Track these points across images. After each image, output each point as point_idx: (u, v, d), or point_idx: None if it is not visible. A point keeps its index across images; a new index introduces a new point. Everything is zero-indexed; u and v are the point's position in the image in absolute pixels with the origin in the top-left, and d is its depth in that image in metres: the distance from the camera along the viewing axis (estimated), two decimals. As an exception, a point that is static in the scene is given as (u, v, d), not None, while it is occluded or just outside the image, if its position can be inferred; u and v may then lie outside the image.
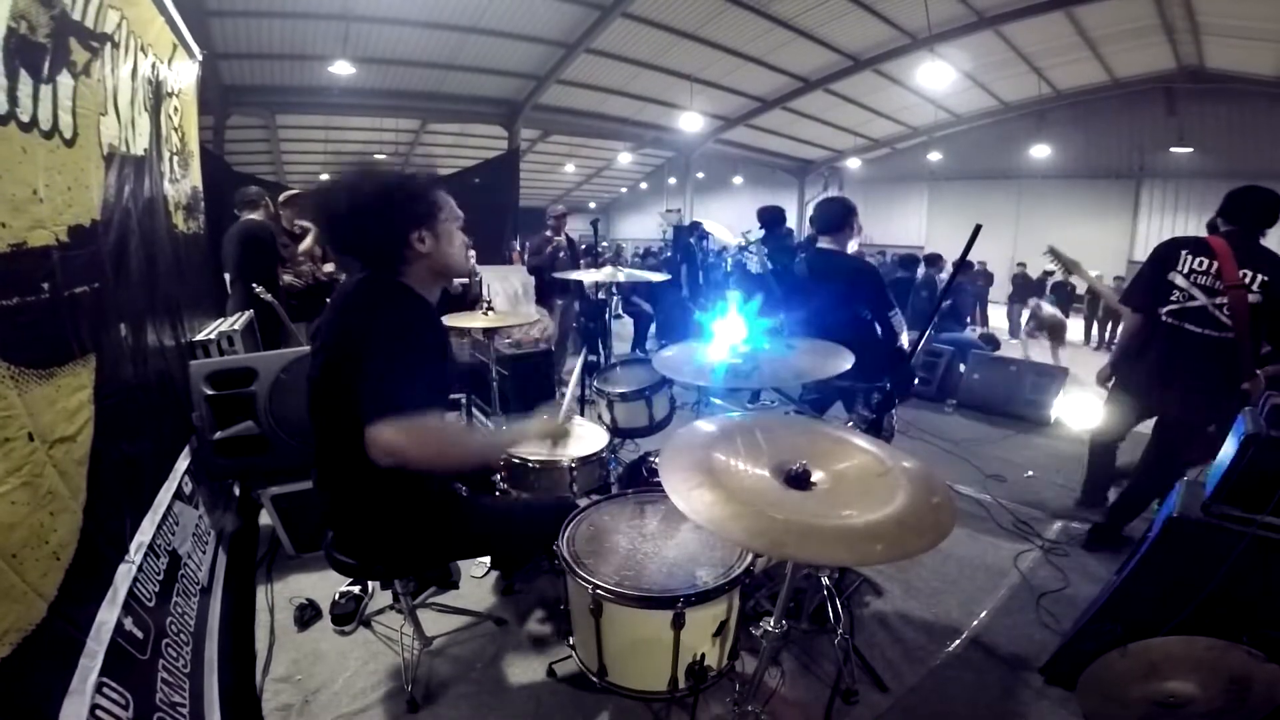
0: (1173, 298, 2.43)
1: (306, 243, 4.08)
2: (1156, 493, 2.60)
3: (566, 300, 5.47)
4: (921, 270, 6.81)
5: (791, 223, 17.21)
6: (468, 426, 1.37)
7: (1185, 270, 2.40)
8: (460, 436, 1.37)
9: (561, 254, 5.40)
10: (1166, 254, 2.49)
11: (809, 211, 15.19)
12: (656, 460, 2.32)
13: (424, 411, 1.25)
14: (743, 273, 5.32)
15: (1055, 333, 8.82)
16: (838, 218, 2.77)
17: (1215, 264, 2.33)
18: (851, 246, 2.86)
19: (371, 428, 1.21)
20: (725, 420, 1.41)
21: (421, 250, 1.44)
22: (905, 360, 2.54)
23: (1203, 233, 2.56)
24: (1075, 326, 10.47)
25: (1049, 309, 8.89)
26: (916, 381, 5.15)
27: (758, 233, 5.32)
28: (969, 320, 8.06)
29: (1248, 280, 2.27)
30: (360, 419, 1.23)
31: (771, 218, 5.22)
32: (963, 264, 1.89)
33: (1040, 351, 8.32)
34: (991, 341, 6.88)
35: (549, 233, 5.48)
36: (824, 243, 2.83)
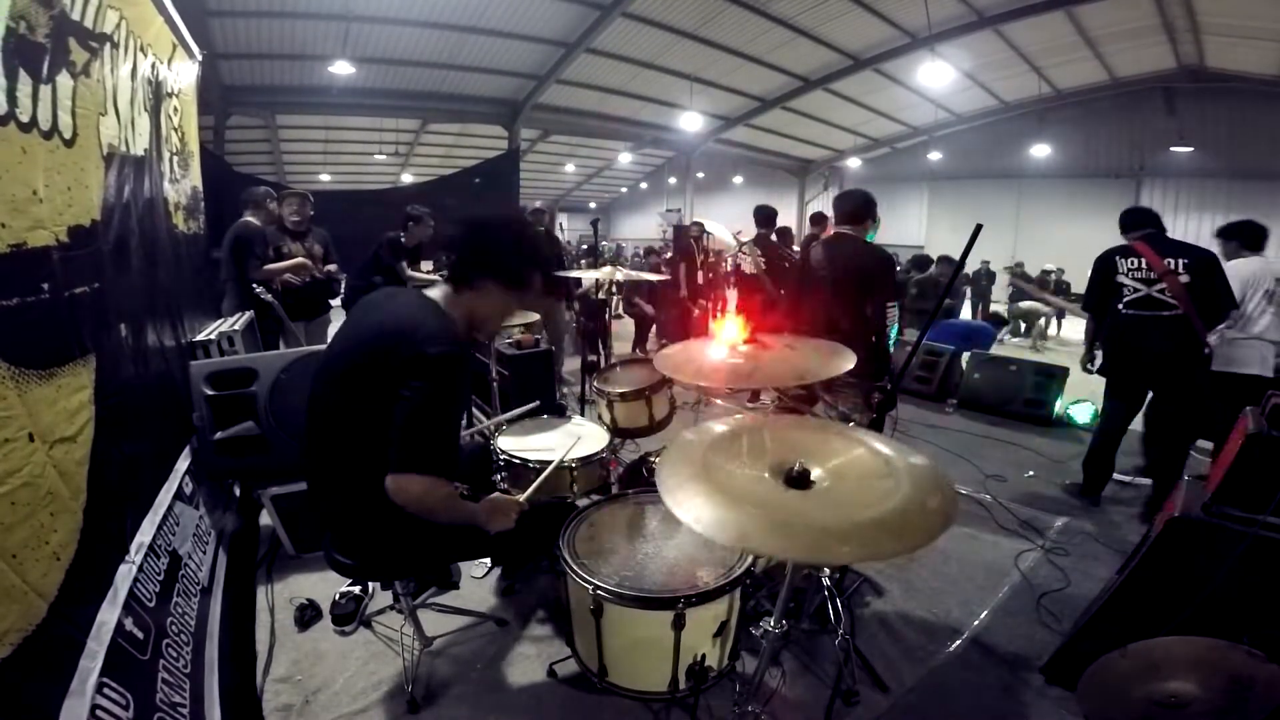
0: (1124, 294, 2.99)
1: (280, 265, 3.91)
2: (1189, 440, 3.14)
3: (550, 302, 5.05)
4: (933, 270, 6.85)
5: (793, 221, 17.15)
6: (462, 499, 1.52)
7: (1124, 271, 3.00)
8: (461, 508, 1.49)
9: None
10: (1105, 263, 3.09)
11: (809, 210, 15.19)
12: (657, 460, 2.33)
13: (449, 467, 1.41)
14: (738, 273, 5.34)
15: (1029, 320, 9.25)
16: (859, 209, 2.96)
17: (1143, 260, 2.94)
18: (871, 237, 3.02)
19: (402, 476, 1.33)
20: (737, 421, 1.41)
21: (485, 289, 1.51)
22: (887, 357, 2.84)
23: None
24: (1076, 326, 10.49)
25: (1025, 304, 9.31)
26: (911, 379, 5.18)
27: (750, 232, 5.34)
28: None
29: (1173, 266, 2.88)
30: (388, 452, 1.33)
31: (765, 216, 5.26)
32: (962, 263, 1.89)
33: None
34: (1000, 321, 6.85)
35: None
36: (842, 228, 2.97)
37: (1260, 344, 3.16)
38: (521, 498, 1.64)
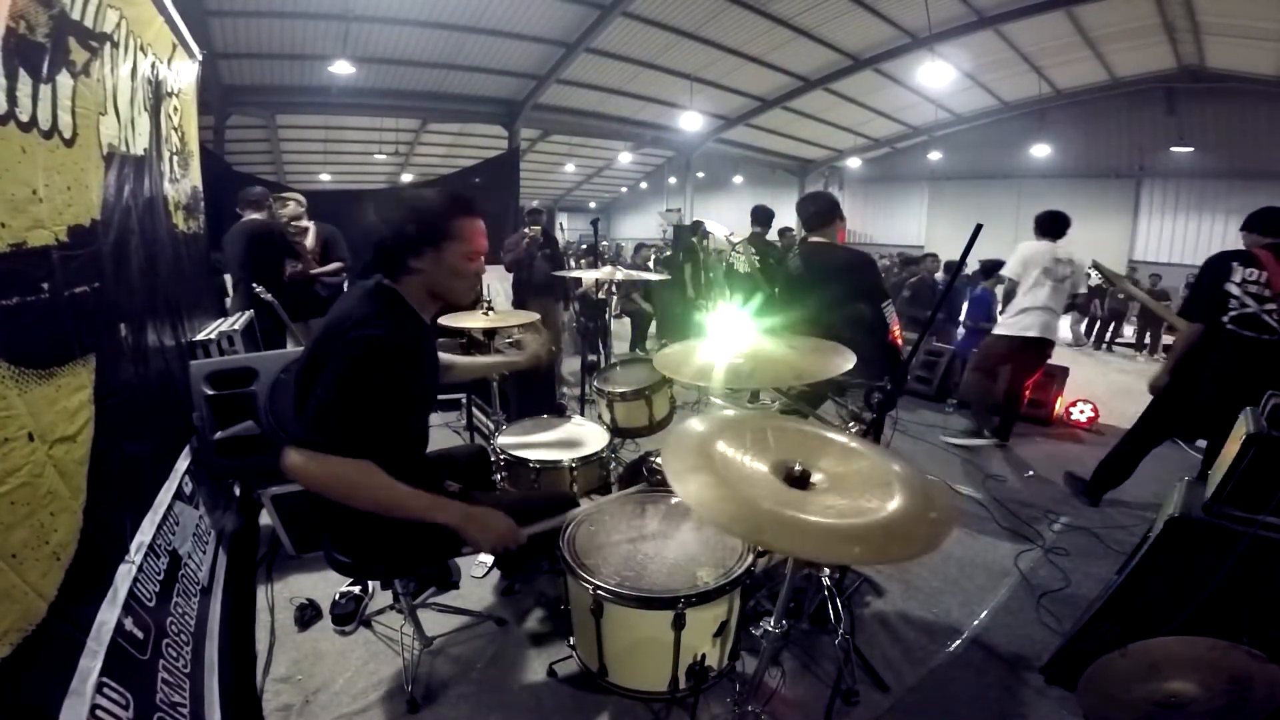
0: (1230, 306, 2.67)
1: (309, 242, 4.08)
2: None
3: (547, 302, 5.09)
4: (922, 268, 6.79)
5: (790, 222, 17.09)
6: (400, 487, 1.34)
7: (1239, 280, 2.65)
8: (377, 493, 1.33)
9: (540, 252, 5.02)
10: (1219, 266, 2.72)
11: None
12: (658, 459, 2.32)
13: (349, 447, 1.28)
14: (731, 272, 5.37)
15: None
16: (822, 213, 2.86)
17: (1265, 274, 2.60)
18: (841, 238, 2.94)
19: (290, 447, 1.26)
20: (737, 416, 1.41)
21: (417, 267, 1.47)
22: (898, 356, 2.69)
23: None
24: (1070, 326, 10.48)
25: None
26: (911, 379, 5.16)
27: (743, 232, 5.37)
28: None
29: None
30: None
31: (761, 216, 5.30)
32: (962, 264, 1.89)
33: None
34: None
35: (525, 229, 5.16)
36: (815, 237, 2.88)
37: (1043, 311, 3.74)
38: (524, 533, 1.51)
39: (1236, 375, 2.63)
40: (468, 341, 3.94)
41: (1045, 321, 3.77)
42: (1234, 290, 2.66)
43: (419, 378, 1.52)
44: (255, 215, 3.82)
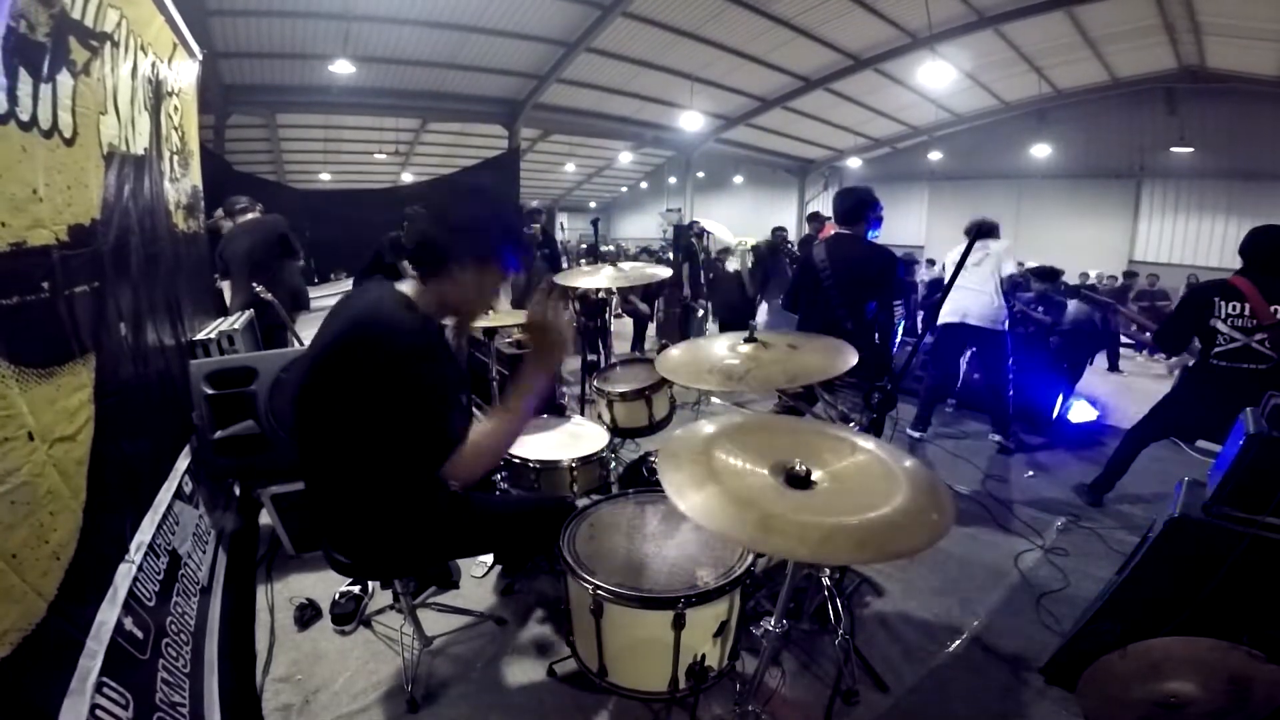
0: (1219, 343, 2.72)
1: None
2: None
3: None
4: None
5: (791, 222, 17.06)
6: (495, 418, 1.42)
7: (1223, 315, 2.70)
8: (498, 429, 1.41)
9: (540, 252, 5.00)
10: (1201, 302, 2.77)
11: (808, 210, 15.18)
12: (657, 460, 2.32)
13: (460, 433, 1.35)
14: (724, 270, 5.42)
15: None
16: (854, 209, 2.94)
17: (1247, 305, 2.65)
18: (872, 236, 3.02)
19: (448, 469, 1.33)
20: (729, 420, 1.40)
21: (458, 275, 1.38)
22: (887, 357, 2.84)
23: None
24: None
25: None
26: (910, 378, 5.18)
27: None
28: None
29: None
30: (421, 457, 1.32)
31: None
32: (959, 268, 1.89)
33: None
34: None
35: (525, 228, 5.19)
36: (843, 230, 2.99)
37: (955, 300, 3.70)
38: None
39: (1235, 406, 2.68)
40: (467, 341, 3.94)
41: (953, 307, 3.77)
42: (1220, 326, 2.71)
43: (454, 374, 1.47)
44: (250, 215, 3.85)
